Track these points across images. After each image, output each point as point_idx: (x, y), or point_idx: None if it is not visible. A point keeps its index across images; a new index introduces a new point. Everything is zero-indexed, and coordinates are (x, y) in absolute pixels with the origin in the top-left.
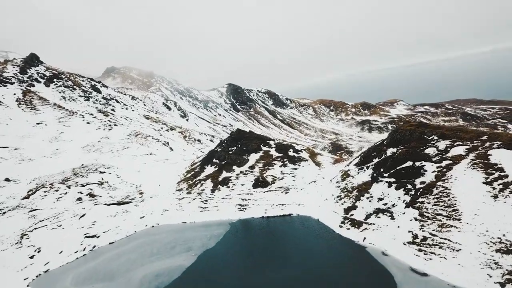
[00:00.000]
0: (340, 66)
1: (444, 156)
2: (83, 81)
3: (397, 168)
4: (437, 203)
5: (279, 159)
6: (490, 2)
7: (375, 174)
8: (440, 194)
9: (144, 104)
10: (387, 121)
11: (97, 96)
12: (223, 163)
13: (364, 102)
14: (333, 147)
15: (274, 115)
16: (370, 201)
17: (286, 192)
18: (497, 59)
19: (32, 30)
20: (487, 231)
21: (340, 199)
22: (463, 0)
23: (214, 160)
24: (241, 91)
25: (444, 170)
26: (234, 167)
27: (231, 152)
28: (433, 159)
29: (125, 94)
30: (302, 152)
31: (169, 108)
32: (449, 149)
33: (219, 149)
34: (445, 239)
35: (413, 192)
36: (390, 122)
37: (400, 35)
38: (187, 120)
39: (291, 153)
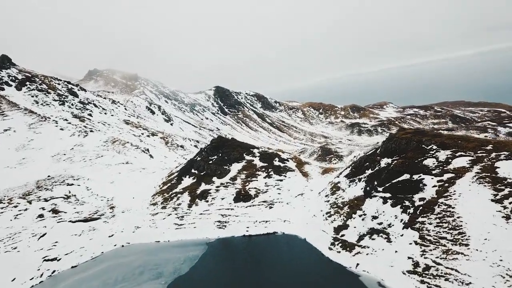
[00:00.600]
0: (328, 69)
1: (445, 168)
2: (58, 84)
3: (393, 181)
4: (440, 224)
5: (263, 169)
6: (473, 7)
7: (368, 188)
8: (443, 213)
9: (125, 108)
10: (376, 124)
11: (73, 100)
12: (202, 174)
13: (354, 104)
14: (323, 151)
15: (263, 118)
16: (363, 219)
17: (271, 207)
18: (482, 61)
19: (9, 31)
20: (501, 260)
21: (329, 216)
22: (448, 4)
23: (193, 171)
24: (229, 94)
25: (446, 184)
26: (214, 179)
27: (211, 162)
28: (433, 172)
29: (104, 98)
30: (288, 161)
31: (152, 112)
32: (450, 160)
33: (198, 158)
34: (452, 269)
35: (411, 210)
36: (380, 125)
37: (386, 37)
38: (171, 124)
39: (276, 162)
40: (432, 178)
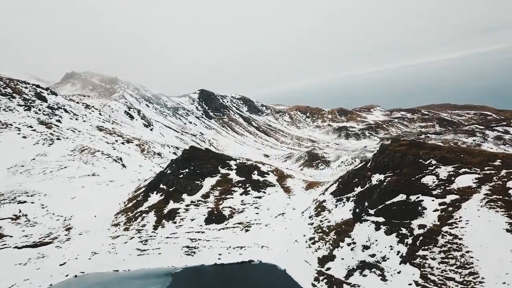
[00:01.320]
0: (315, 72)
1: (447, 188)
2: (26, 88)
3: (387, 202)
4: (446, 259)
5: (240, 184)
6: (459, 11)
7: (357, 210)
8: (448, 245)
9: (100, 114)
10: (364, 128)
11: (41, 105)
12: (171, 190)
13: (341, 108)
14: (309, 156)
15: (249, 122)
16: (352, 249)
17: (247, 230)
18: (466, 65)
19: None
20: None
21: (313, 243)
22: (434, 7)
23: (161, 186)
24: (214, 97)
25: (450, 209)
26: (184, 196)
27: (181, 176)
28: (434, 193)
29: (78, 102)
30: (268, 174)
31: (131, 117)
32: (453, 178)
33: (168, 171)
34: None
35: (410, 241)
36: (368, 128)
37: (373, 41)
38: (151, 129)
39: (255, 176)
40: (433, 200)
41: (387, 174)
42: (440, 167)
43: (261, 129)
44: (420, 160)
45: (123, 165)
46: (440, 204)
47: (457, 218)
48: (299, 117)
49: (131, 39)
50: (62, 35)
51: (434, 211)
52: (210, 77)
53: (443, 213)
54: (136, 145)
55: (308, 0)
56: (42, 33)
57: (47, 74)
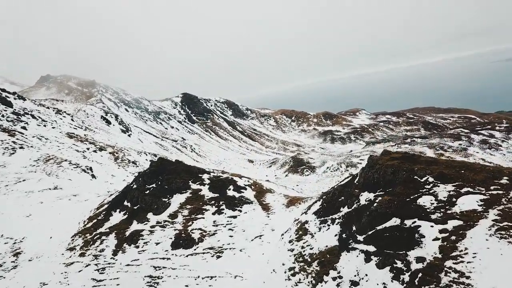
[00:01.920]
0: (300, 75)
1: (448, 211)
2: None
3: (378, 228)
4: None
5: (213, 202)
6: (441, 16)
7: (344, 235)
8: (454, 286)
9: (72, 119)
10: (349, 131)
11: (5, 111)
12: (135, 208)
13: (326, 112)
14: (294, 162)
15: (234, 126)
16: (338, 285)
17: (219, 256)
18: (449, 68)
19: None
20: None
21: (293, 275)
22: (416, 12)
23: (125, 203)
24: (197, 101)
25: (453, 237)
26: (149, 215)
27: (147, 192)
28: (432, 217)
29: (48, 108)
30: (246, 189)
31: (108, 123)
32: (454, 199)
33: (134, 186)
34: None
35: (407, 277)
36: (353, 132)
37: (356, 45)
38: (129, 135)
39: (230, 192)
40: (432, 226)
41: (377, 193)
42: (438, 186)
43: (246, 134)
44: (415, 177)
45: (93, 176)
46: (441, 232)
47: (462, 250)
48: (284, 121)
49: (113, 41)
50: (39, 35)
51: (434, 240)
52: (194, 81)
53: (445, 243)
54: (110, 152)
55: (293, 4)
56: (18, 34)
57: (24, 77)
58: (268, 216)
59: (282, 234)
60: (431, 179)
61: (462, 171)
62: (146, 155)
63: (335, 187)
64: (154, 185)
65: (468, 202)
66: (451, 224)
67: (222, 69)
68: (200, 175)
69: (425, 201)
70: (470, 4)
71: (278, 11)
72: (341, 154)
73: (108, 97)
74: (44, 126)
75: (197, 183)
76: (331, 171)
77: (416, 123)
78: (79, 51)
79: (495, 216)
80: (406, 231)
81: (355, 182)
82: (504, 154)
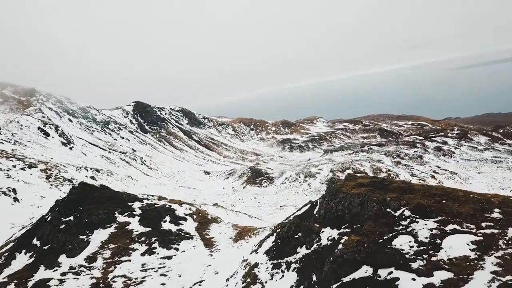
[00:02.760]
0: (258, 84)
1: (433, 258)
2: None
3: (344, 280)
4: None
5: (143, 238)
6: (391, 26)
7: (302, 287)
8: None
9: (0, 132)
10: (308, 140)
11: None
12: (45, 248)
13: (284, 120)
14: (252, 172)
15: (190, 135)
16: None
17: None
18: (400, 77)
19: None
20: None
21: None
22: (367, 22)
23: (35, 242)
24: (150, 109)
25: None
26: (62, 258)
27: (62, 227)
28: (413, 265)
29: None
30: (186, 220)
31: (47, 135)
32: (438, 240)
33: (48, 218)
34: None
35: None
36: (311, 140)
37: (310, 54)
38: (70, 148)
39: (166, 224)
40: (414, 280)
41: (342, 230)
42: (417, 221)
43: (202, 143)
44: (388, 210)
45: (15, 199)
46: (426, 287)
47: None
48: (243, 130)
49: (60, 48)
50: None
51: None
52: (148, 89)
53: None
54: (42, 170)
55: (249, 11)
56: None
57: None
58: (212, 255)
59: (227, 279)
60: (407, 213)
61: (444, 201)
62: (87, 170)
63: (291, 219)
64: (71, 218)
65: (457, 245)
66: (438, 276)
67: (179, 78)
68: (130, 203)
69: (403, 243)
70: (420, 17)
71: (229, 25)
72: (300, 163)
73: (49, 106)
74: None
75: (126, 214)
76: (289, 182)
77: (372, 130)
78: (16, 58)
79: (493, 267)
80: (380, 285)
81: (314, 213)
82: (458, 161)
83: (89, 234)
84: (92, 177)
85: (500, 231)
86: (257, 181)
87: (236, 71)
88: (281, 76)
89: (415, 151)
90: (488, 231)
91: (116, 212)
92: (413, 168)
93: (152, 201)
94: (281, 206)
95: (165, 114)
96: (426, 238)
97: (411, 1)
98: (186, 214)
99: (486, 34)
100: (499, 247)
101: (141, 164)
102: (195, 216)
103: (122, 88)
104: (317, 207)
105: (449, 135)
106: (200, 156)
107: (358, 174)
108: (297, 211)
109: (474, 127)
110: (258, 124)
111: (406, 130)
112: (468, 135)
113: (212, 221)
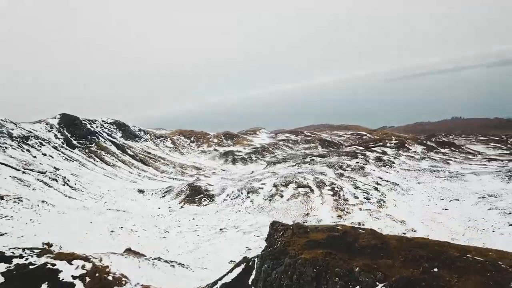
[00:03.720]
0: (200, 94)
1: None
2: None
3: None
4: None
5: None
6: (332, 39)
7: None
8: None
9: None
10: (250, 151)
11: None
12: None
13: (227, 132)
14: (191, 190)
15: (124, 150)
16: None
17: None
18: (338, 88)
19: None
20: None
21: None
22: (304, 35)
23: None
24: (79, 122)
25: None
26: None
27: None
28: None
29: None
30: (74, 286)
31: None
32: None
33: None
34: None
35: None
36: (254, 152)
37: (244, 65)
38: None
39: None
40: None
41: None
42: None
43: (137, 158)
44: (359, 286)
45: None
46: None
47: None
48: (182, 142)
49: None
50: None
51: None
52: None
53: None
54: None
55: (186, 19)
56: None
57: None
58: None
59: None
60: None
61: (435, 269)
62: None
63: None
64: None
65: None
66: None
67: (111, 86)
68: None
69: None
70: (364, 29)
71: (164, 33)
72: (242, 176)
73: None
74: None
75: None
76: (231, 199)
77: (314, 141)
78: None
79: None
80: None
81: (249, 283)
82: (398, 171)
83: None
84: None
85: None
86: (196, 199)
87: (173, 81)
88: (230, 87)
89: (356, 162)
90: None
91: None
92: (356, 180)
93: (27, 259)
94: (221, 229)
95: (97, 127)
96: None
97: (348, 17)
98: (75, 277)
99: (416, 46)
100: None
101: (63, 185)
102: (88, 279)
103: (45, 98)
104: (253, 274)
105: (388, 145)
106: (135, 173)
107: (310, 225)
108: (226, 274)
109: (409, 136)
110: (199, 136)
111: (346, 140)
112: (406, 144)
113: (112, 284)
